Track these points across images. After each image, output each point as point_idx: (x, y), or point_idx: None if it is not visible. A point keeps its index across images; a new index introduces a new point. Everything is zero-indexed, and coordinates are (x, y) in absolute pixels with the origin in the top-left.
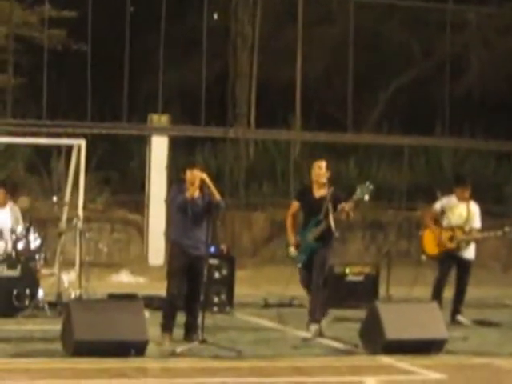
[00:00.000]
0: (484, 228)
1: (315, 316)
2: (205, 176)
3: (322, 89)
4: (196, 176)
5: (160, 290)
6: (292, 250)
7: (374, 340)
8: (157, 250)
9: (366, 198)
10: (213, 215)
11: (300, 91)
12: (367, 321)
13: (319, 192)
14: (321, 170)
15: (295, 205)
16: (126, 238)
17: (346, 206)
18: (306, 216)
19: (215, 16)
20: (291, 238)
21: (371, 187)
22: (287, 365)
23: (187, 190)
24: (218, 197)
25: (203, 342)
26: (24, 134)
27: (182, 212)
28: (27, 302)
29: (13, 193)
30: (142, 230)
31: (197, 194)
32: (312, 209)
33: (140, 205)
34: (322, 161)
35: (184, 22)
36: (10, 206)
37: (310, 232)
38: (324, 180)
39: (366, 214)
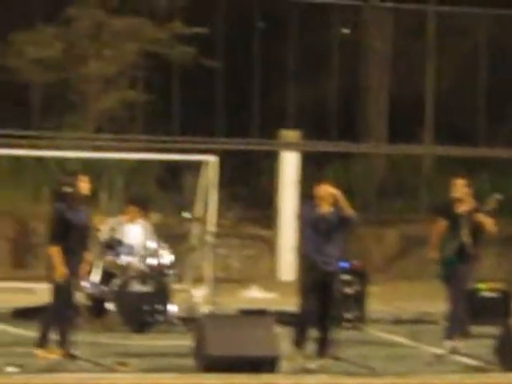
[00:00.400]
0: None
1: (450, 332)
2: (336, 192)
3: (452, 102)
4: (327, 191)
5: (291, 305)
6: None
7: (510, 357)
8: (287, 266)
9: (493, 207)
10: (345, 230)
11: (431, 105)
12: (502, 337)
13: (460, 208)
14: (459, 187)
15: (442, 223)
16: (256, 253)
17: (479, 217)
18: (447, 232)
19: (346, 30)
20: (434, 255)
21: (498, 197)
22: (420, 381)
23: (318, 205)
24: (349, 211)
25: (335, 358)
26: (155, 150)
27: (313, 228)
28: (159, 318)
29: (144, 209)
30: (272, 246)
31: (328, 209)
32: (453, 225)
33: (270, 220)
34: (460, 178)
35: (314, 37)
36: (141, 222)
37: (449, 248)
38: (463, 196)
39: (500, 230)
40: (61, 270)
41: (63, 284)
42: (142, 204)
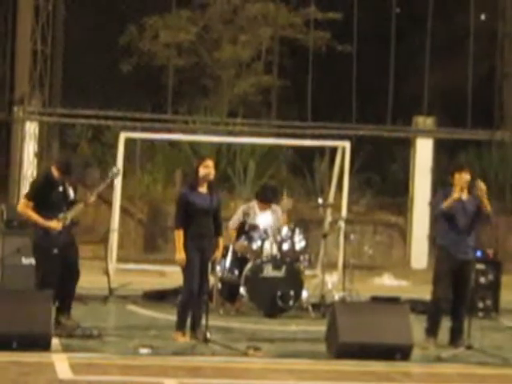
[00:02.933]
0: None
1: None
2: (482, 186)
3: None
4: (464, 179)
5: (423, 293)
6: None
7: None
8: (420, 254)
9: None
10: (480, 221)
11: None
12: None
13: None
14: None
15: None
16: (388, 240)
17: None
18: None
19: (482, 16)
20: None
21: None
22: None
23: (454, 193)
24: (488, 208)
25: (469, 347)
26: (288, 136)
27: (448, 216)
28: (291, 303)
29: (277, 199)
30: (404, 233)
31: (465, 197)
32: None
33: (402, 207)
34: None
35: (449, 23)
36: (273, 207)
37: None
38: None
39: None
40: (178, 255)
41: (191, 268)
42: (275, 196)
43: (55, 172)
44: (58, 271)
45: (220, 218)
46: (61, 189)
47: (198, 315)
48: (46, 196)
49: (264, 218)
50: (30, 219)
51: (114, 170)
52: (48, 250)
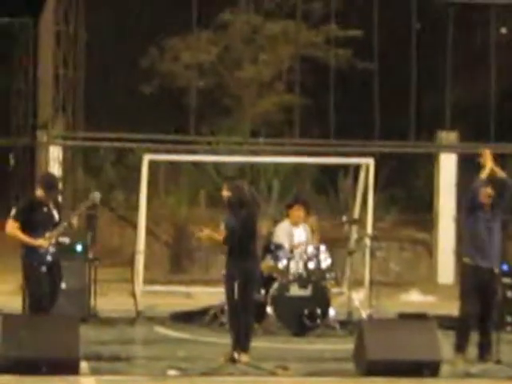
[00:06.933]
0: None
1: None
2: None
3: None
4: (488, 194)
5: (450, 309)
6: None
7: None
8: (446, 269)
9: None
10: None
11: None
12: None
13: None
14: None
15: None
16: (414, 256)
17: None
18: None
19: (503, 30)
20: None
21: None
22: None
23: (481, 207)
24: (500, 174)
25: (498, 362)
26: (311, 154)
27: (474, 230)
28: (318, 321)
29: (307, 212)
30: (430, 249)
31: (489, 213)
32: None
33: (427, 223)
34: None
35: (471, 37)
36: (302, 225)
37: None
38: None
39: None
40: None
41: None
42: (306, 206)
43: (39, 192)
44: (46, 289)
45: None
46: (45, 209)
47: (240, 335)
48: (31, 216)
49: (296, 236)
50: (17, 239)
51: (95, 194)
52: (36, 268)
